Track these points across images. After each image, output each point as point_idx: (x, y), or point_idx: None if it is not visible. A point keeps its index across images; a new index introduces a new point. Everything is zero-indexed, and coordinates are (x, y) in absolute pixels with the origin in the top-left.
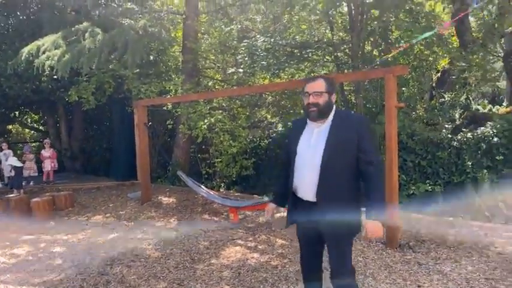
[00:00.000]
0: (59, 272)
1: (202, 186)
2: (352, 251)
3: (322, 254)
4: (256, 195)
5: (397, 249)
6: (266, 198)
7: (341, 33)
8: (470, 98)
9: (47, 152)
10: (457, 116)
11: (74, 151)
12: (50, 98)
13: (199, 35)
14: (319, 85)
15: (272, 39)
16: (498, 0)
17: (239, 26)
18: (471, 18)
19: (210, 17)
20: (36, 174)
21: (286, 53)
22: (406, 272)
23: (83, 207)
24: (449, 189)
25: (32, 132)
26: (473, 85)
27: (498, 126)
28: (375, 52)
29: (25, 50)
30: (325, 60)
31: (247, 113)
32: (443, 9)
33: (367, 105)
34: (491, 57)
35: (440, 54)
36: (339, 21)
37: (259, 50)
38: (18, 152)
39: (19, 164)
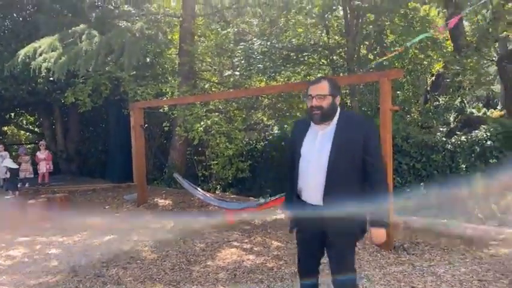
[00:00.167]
0: (54, 273)
1: (198, 189)
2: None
3: (321, 258)
4: (252, 198)
5: (391, 251)
6: (262, 200)
7: (337, 37)
8: (465, 102)
9: (42, 154)
10: (451, 119)
11: (69, 153)
12: (46, 99)
13: (195, 37)
14: (323, 88)
15: (268, 43)
16: (492, 4)
17: (236, 29)
18: (465, 23)
19: (207, 20)
20: (32, 176)
21: (283, 56)
22: (401, 274)
23: (79, 209)
24: (443, 192)
25: (28, 134)
26: (467, 89)
27: (492, 129)
28: (370, 56)
29: (22, 52)
30: (321, 63)
31: (244, 116)
32: (438, 14)
33: (363, 108)
34: (485, 61)
35: (434, 58)
36: (335, 25)
37: (256, 53)
38: (14, 153)
39: (15, 166)
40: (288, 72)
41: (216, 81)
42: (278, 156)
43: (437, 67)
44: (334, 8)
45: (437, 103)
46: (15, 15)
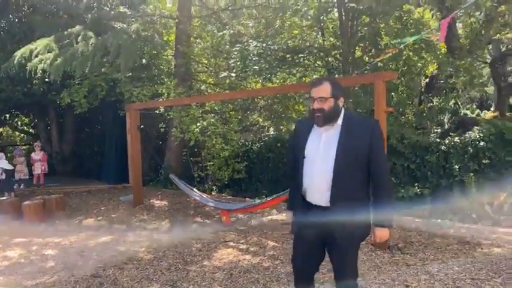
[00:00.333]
0: (51, 274)
1: (194, 189)
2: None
3: (320, 262)
4: (248, 198)
5: (386, 251)
6: (258, 201)
7: (332, 39)
8: (459, 103)
9: (37, 155)
10: (446, 120)
11: (64, 154)
12: (42, 101)
13: (191, 39)
14: (324, 90)
15: (264, 44)
16: (485, 7)
17: (231, 31)
18: (459, 25)
19: (203, 22)
20: (27, 177)
21: (278, 57)
22: (395, 273)
23: (75, 211)
24: (437, 192)
25: (22, 135)
26: (460, 90)
27: (484, 130)
28: (365, 58)
29: (18, 54)
30: (316, 65)
31: (240, 117)
32: (432, 16)
33: (358, 110)
34: (478, 63)
35: (428, 60)
36: (330, 27)
37: (252, 55)
38: (9, 155)
39: (10, 167)
40: (283, 73)
41: (212, 82)
42: (274, 157)
43: (431, 69)
44: (329, 10)
45: (431, 104)
46: (10, 16)
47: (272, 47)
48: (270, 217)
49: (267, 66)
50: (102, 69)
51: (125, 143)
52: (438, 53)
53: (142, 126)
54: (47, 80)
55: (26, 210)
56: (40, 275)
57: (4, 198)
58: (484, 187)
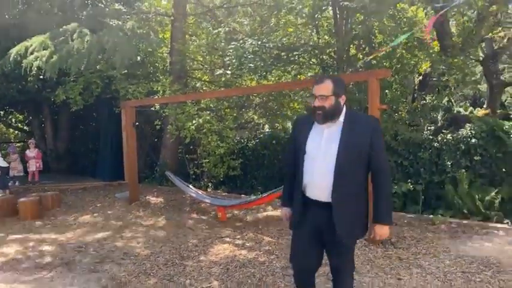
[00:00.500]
0: (49, 269)
1: (190, 186)
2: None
3: (321, 259)
4: (243, 195)
5: (379, 245)
6: (253, 197)
7: (326, 37)
8: (452, 101)
9: (31, 153)
10: (439, 117)
11: (59, 152)
12: (36, 98)
13: (187, 36)
14: (326, 88)
15: (259, 42)
16: (477, 6)
17: (227, 28)
18: (452, 23)
19: (198, 19)
20: (22, 174)
21: (273, 55)
22: (388, 267)
23: (70, 208)
24: (429, 188)
25: (17, 132)
26: (452, 88)
27: (476, 127)
28: (359, 55)
29: (13, 51)
30: (311, 62)
31: (235, 114)
32: (426, 15)
33: (352, 107)
34: (471, 61)
35: (421, 58)
36: (325, 25)
37: (247, 53)
38: (3, 152)
39: (4, 164)
40: (278, 71)
41: (208, 80)
42: (269, 154)
43: (425, 67)
44: (324, 8)
45: (424, 102)
46: (5, 13)
47: (267, 45)
48: (265, 213)
49: (262, 64)
50: (98, 67)
51: (120, 140)
52: (431, 51)
53: (137, 124)
54: (41, 77)
55: (22, 207)
56: (38, 271)
57: None
58: (476, 183)
